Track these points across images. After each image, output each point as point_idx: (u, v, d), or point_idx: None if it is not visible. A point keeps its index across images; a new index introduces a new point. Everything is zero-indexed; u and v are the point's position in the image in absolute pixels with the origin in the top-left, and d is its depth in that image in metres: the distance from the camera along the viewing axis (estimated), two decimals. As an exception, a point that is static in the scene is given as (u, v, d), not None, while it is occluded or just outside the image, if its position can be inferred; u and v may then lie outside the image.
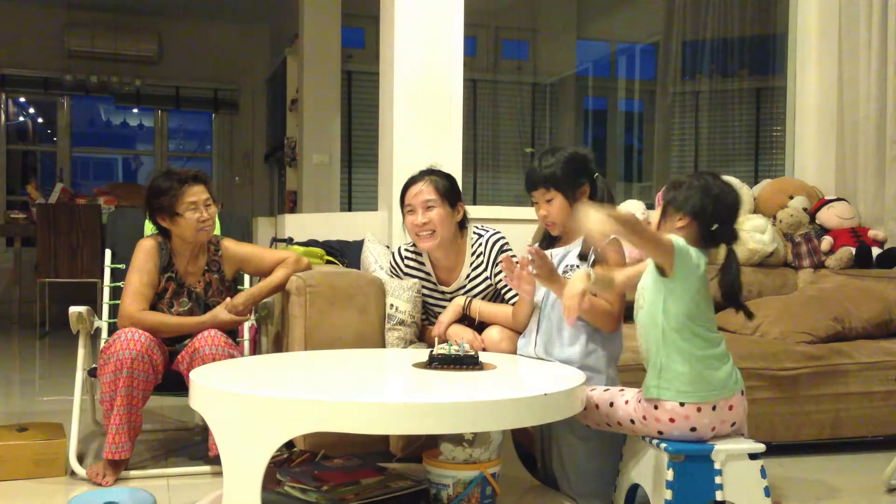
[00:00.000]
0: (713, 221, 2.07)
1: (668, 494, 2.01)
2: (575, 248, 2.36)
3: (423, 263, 2.77)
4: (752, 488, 2.05)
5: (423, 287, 2.76)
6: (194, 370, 2.09)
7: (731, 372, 2.07)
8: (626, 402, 2.12)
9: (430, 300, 2.77)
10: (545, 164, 2.34)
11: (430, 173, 2.70)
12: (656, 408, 2.05)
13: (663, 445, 2.04)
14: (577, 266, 2.32)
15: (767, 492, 2.06)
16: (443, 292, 2.74)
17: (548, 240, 2.47)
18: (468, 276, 2.69)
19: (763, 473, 2.06)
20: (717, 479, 2.02)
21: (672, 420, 2.03)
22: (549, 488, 2.44)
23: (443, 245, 2.66)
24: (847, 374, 3.03)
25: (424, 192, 2.63)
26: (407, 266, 2.79)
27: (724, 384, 2.04)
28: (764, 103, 6.67)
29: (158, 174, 2.81)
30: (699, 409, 2.02)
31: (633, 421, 2.10)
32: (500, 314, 2.57)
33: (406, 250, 2.81)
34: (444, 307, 2.70)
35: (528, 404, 1.86)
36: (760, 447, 2.08)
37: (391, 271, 2.84)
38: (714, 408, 2.03)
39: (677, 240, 1.99)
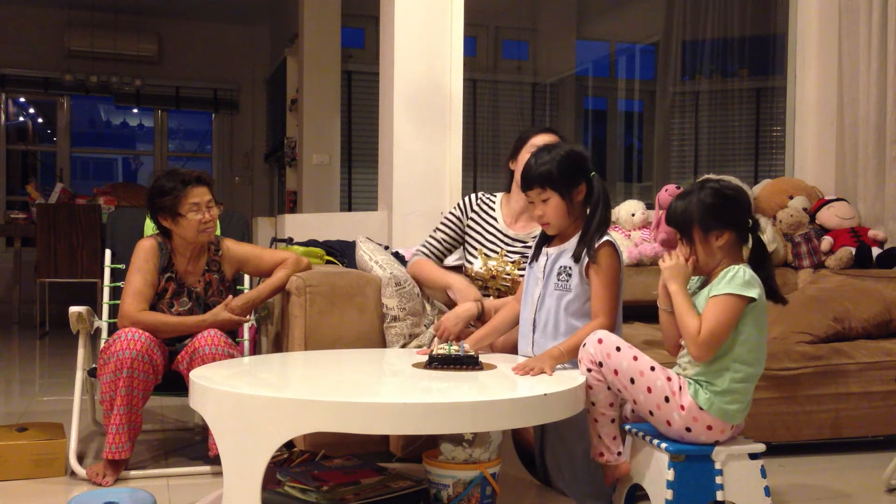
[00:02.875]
0: (746, 221, 2.10)
1: (669, 494, 2.01)
2: (570, 248, 2.31)
3: (493, 208, 2.87)
4: (752, 488, 2.05)
5: (483, 225, 2.85)
6: (194, 370, 2.09)
7: (738, 411, 2.06)
8: (669, 378, 2.08)
9: (487, 241, 2.82)
10: (541, 163, 2.29)
11: (555, 132, 2.78)
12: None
13: (664, 445, 2.04)
14: (570, 268, 2.28)
15: (768, 491, 2.06)
16: (505, 234, 2.81)
17: (542, 238, 2.43)
18: (535, 235, 2.64)
19: (763, 473, 2.07)
20: (718, 480, 2.03)
21: (694, 418, 2.04)
22: (549, 488, 2.44)
23: None
24: (847, 374, 3.03)
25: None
26: (476, 206, 2.88)
27: (727, 415, 2.05)
28: (764, 103, 6.67)
29: (162, 174, 2.80)
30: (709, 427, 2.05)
31: (667, 399, 2.05)
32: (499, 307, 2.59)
33: (484, 194, 2.91)
34: (497, 250, 2.78)
35: (528, 404, 1.86)
36: (760, 447, 2.08)
37: (456, 209, 2.91)
38: (710, 427, 2.05)
39: (745, 290, 1.99)
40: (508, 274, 2.72)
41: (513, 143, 2.84)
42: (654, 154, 7.28)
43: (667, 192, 3.56)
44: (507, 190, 2.91)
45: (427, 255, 2.89)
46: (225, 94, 8.65)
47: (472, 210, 2.88)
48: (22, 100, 8.56)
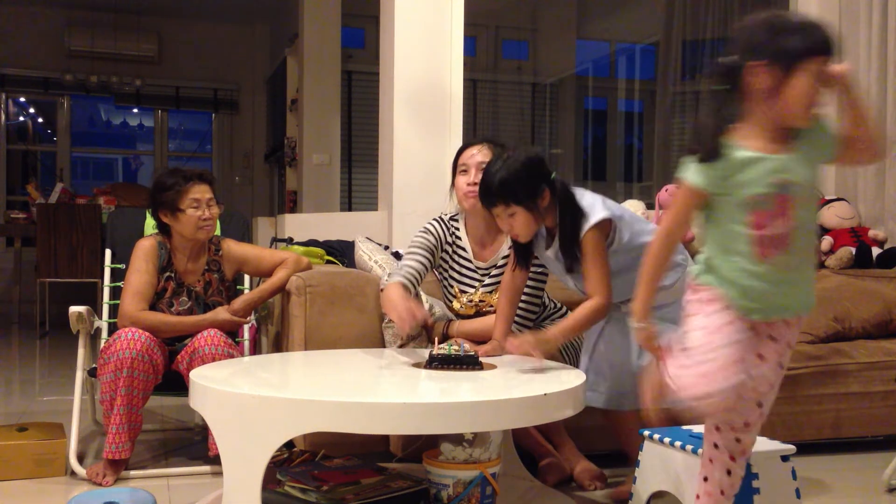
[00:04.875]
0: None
1: None
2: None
3: (460, 238, 2.73)
4: (784, 490, 2.03)
5: (457, 256, 2.73)
6: (194, 370, 2.09)
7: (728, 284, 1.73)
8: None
9: (464, 276, 2.71)
10: (499, 178, 2.22)
11: (486, 140, 2.69)
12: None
13: (701, 451, 1.96)
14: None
15: (798, 493, 2.04)
16: (476, 267, 2.71)
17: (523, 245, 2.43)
18: (504, 255, 2.66)
19: (794, 475, 2.04)
20: (755, 483, 1.99)
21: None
22: (549, 488, 2.45)
23: (486, 212, 2.50)
24: (847, 374, 3.03)
25: (480, 154, 2.62)
26: (449, 238, 2.73)
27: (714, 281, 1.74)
28: (764, 103, 6.66)
29: (165, 171, 2.82)
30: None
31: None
32: (485, 329, 2.57)
33: (451, 219, 2.76)
34: (474, 284, 2.69)
35: (528, 404, 1.86)
36: (791, 448, 2.04)
37: (430, 236, 2.69)
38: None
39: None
40: (492, 305, 2.68)
41: (505, 144, 2.70)
42: (654, 154, 7.28)
43: (667, 192, 3.56)
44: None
45: (406, 281, 2.56)
46: (225, 94, 8.65)
47: (447, 242, 2.72)
48: (22, 100, 8.56)
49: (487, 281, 2.69)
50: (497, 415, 1.82)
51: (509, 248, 2.59)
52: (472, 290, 2.70)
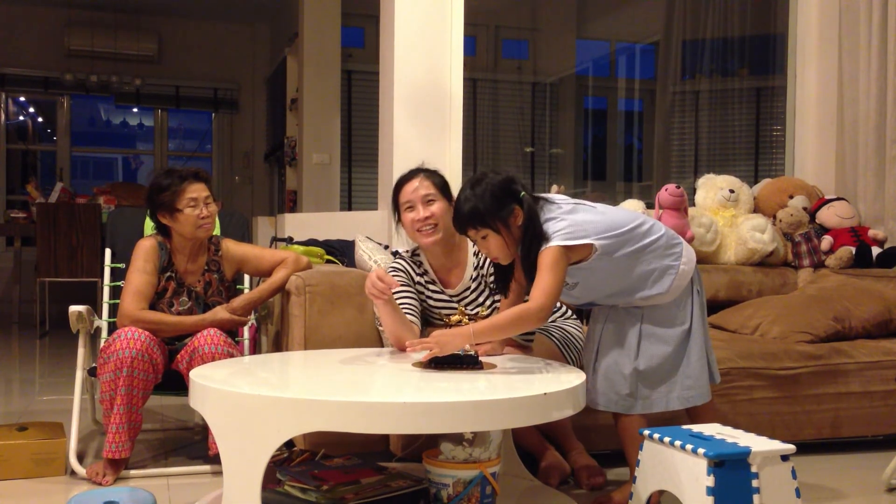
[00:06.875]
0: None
1: (710, 501, 1.94)
2: None
3: (426, 272, 2.69)
4: (784, 490, 2.02)
5: (428, 291, 2.69)
6: (194, 370, 2.09)
7: None
8: None
9: (436, 305, 2.69)
10: (467, 205, 2.22)
11: (421, 170, 2.64)
12: None
13: (702, 451, 1.96)
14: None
15: (798, 493, 2.04)
16: (449, 296, 2.68)
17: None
18: (472, 276, 2.66)
19: (794, 475, 2.04)
20: (755, 483, 1.98)
21: None
22: (549, 488, 2.45)
23: (444, 240, 2.58)
24: (847, 373, 3.03)
25: (422, 187, 2.58)
26: (416, 276, 2.69)
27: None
28: (764, 103, 6.68)
29: (160, 172, 2.82)
30: None
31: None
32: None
33: (413, 255, 2.72)
34: (448, 311, 2.67)
35: (528, 404, 1.86)
36: (791, 448, 2.04)
37: (403, 269, 2.69)
38: None
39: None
40: (475, 316, 2.66)
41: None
42: (654, 154, 7.28)
43: (667, 192, 3.56)
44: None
45: (409, 315, 2.58)
46: (225, 94, 8.65)
47: (416, 276, 2.68)
48: (22, 99, 8.56)
49: (465, 306, 2.65)
50: (497, 415, 1.82)
51: (475, 269, 2.60)
52: (454, 311, 2.67)
